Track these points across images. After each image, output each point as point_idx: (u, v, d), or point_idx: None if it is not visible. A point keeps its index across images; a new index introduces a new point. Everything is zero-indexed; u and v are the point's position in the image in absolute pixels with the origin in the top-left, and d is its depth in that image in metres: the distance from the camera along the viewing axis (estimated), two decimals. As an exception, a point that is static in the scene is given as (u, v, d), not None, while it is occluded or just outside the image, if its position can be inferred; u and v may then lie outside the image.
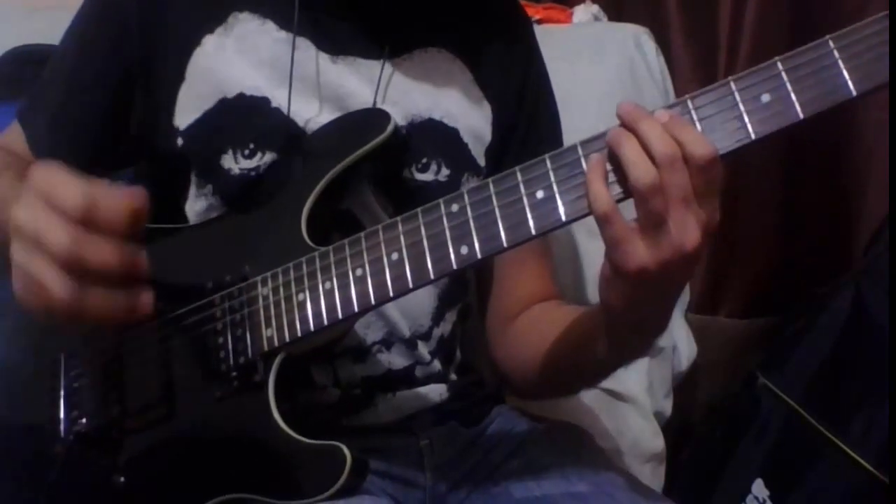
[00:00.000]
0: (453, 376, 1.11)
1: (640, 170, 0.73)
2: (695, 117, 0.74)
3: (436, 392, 1.08)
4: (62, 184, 0.78)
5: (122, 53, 1.03)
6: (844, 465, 1.39)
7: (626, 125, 0.76)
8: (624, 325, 0.86)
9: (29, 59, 1.36)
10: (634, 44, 1.63)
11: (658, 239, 0.74)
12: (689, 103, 0.75)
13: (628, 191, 0.75)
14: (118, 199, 0.79)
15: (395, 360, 1.05)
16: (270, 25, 1.03)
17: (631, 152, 0.74)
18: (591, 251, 1.43)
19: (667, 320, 0.88)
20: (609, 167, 0.76)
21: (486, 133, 1.10)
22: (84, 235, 0.77)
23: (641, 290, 0.79)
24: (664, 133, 0.73)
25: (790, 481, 1.46)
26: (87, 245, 0.77)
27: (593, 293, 1.42)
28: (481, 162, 1.09)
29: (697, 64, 1.73)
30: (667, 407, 1.56)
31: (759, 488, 1.50)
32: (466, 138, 1.07)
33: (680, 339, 1.63)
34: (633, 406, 1.47)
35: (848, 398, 1.44)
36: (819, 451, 1.43)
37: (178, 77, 1.01)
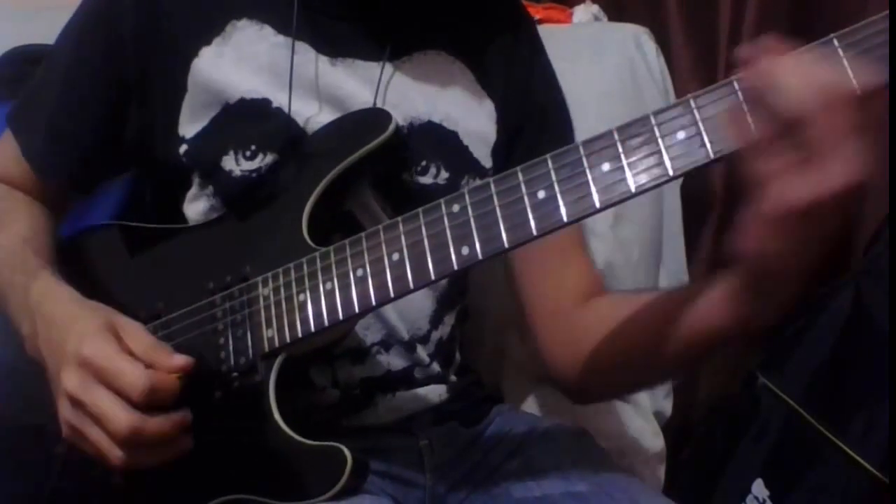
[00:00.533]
0: (453, 377, 1.11)
1: (802, 95, 0.68)
2: (697, 117, 0.74)
3: (435, 392, 1.08)
4: (123, 371, 0.82)
5: (117, 67, 1.02)
6: (844, 465, 1.39)
7: (772, 58, 0.71)
8: (778, 275, 0.80)
9: (29, 59, 1.35)
10: (634, 44, 1.62)
11: (823, 170, 0.68)
12: (692, 102, 0.74)
13: (778, 126, 0.70)
14: (174, 381, 0.85)
15: (394, 361, 1.05)
16: (268, 30, 1.02)
17: (790, 79, 0.69)
18: (593, 251, 1.43)
19: (817, 264, 0.80)
20: (748, 107, 0.72)
21: (491, 133, 1.09)
22: (142, 418, 0.82)
23: (805, 229, 0.73)
24: (815, 64, 0.70)
25: (790, 481, 1.46)
26: (145, 424, 0.82)
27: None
28: (486, 163, 1.08)
29: (697, 64, 1.73)
30: (667, 407, 1.56)
31: (759, 488, 1.49)
32: (466, 140, 1.07)
33: (680, 339, 1.62)
34: (633, 406, 1.47)
35: (848, 398, 1.44)
36: (819, 451, 1.43)
37: (180, 88, 1.01)
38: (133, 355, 0.84)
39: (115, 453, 0.83)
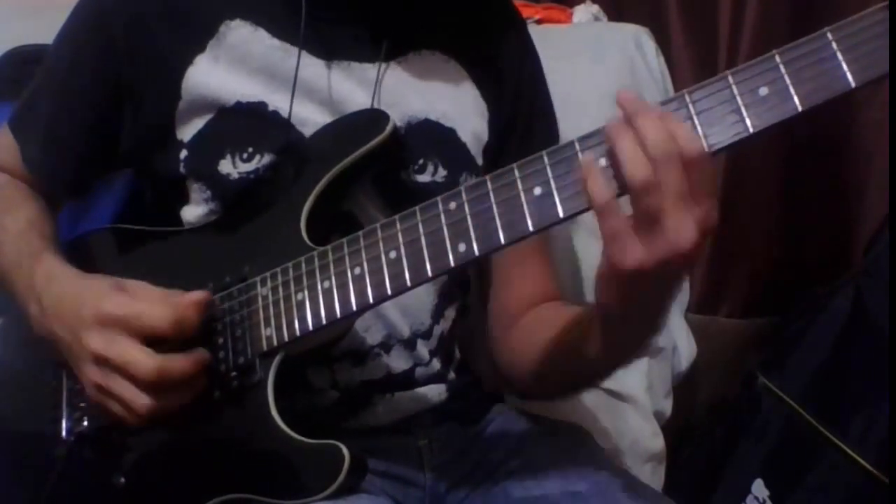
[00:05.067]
0: (452, 375, 1.11)
1: (636, 166, 0.72)
2: (692, 111, 0.74)
3: (434, 392, 1.08)
4: (145, 312, 0.88)
5: (110, 73, 1.03)
6: (844, 465, 1.39)
7: (625, 115, 0.75)
8: (621, 325, 0.85)
9: (29, 59, 1.36)
10: (634, 44, 1.62)
11: (654, 237, 0.73)
12: (687, 97, 0.74)
13: (624, 186, 0.74)
14: (195, 312, 0.90)
15: (395, 363, 1.05)
16: (262, 33, 1.02)
17: (627, 147, 0.73)
18: (591, 251, 1.43)
19: (664, 319, 0.87)
20: (607, 162, 0.76)
21: (484, 132, 1.09)
22: (166, 358, 0.87)
23: (638, 287, 0.78)
24: (662, 129, 0.72)
25: (790, 481, 1.46)
26: (170, 363, 0.87)
27: (593, 293, 1.42)
28: (479, 161, 1.09)
29: (697, 64, 1.73)
30: (667, 407, 1.55)
31: (759, 488, 1.49)
32: (465, 137, 1.07)
33: (680, 339, 1.62)
34: (633, 406, 1.47)
35: (848, 398, 1.44)
36: (819, 451, 1.43)
37: (174, 95, 1.01)
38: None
39: (141, 401, 0.87)
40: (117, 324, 0.87)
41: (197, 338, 0.94)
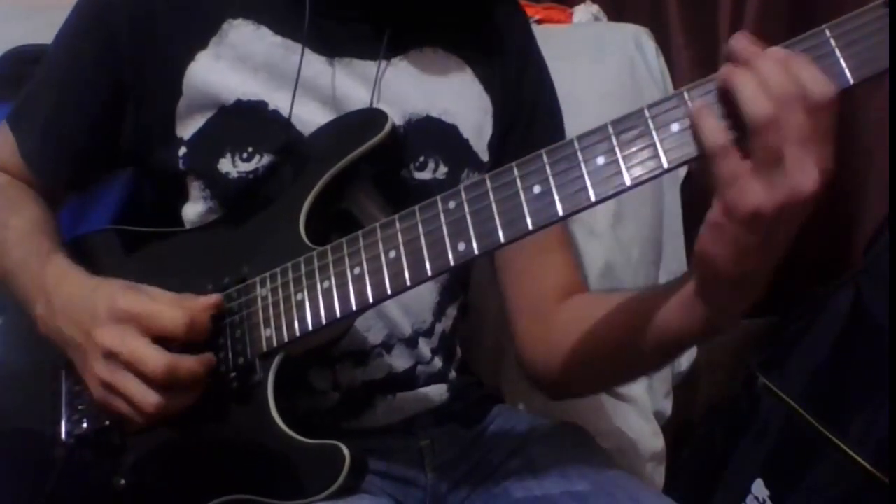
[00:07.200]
0: (453, 374, 1.11)
1: (758, 103, 0.69)
2: (691, 109, 0.74)
3: (436, 392, 1.08)
4: (162, 312, 0.88)
5: (112, 69, 1.03)
6: (844, 464, 1.39)
7: (741, 61, 0.72)
8: (725, 282, 0.79)
9: (29, 59, 1.35)
10: (634, 44, 1.62)
11: (774, 178, 0.69)
12: (685, 95, 0.74)
13: (740, 131, 0.71)
14: (208, 316, 0.91)
15: (397, 362, 1.05)
16: (265, 31, 1.02)
17: (748, 87, 0.70)
18: (591, 251, 1.42)
19: (766, 279, 0.80)
20: (718, 111, 0.73)
21: (488, 126, 1.09)
22: (177, 357, 0.88)
23: (753, 235, 0.73)
24: (784, 70, 0.69)
25: (790, 481, 1.46)
26: (180, 362, 0.88)
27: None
28: (484, 157, 1.08)
29: (697, 64, 1.73)
30: (667, 407, 1.55)
31: (759, 488, 1.49)
32: (467, 134, 1.07)
33: (680, 339, 1.62)
34: (633, 406, 1.47)
35: (848, 398, 1.44)
36: (819, 451, 1.43)
37: (175, 92, 1.01)
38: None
39: (149, 398, 0.87)
40: (132, 320, 0.87)
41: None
